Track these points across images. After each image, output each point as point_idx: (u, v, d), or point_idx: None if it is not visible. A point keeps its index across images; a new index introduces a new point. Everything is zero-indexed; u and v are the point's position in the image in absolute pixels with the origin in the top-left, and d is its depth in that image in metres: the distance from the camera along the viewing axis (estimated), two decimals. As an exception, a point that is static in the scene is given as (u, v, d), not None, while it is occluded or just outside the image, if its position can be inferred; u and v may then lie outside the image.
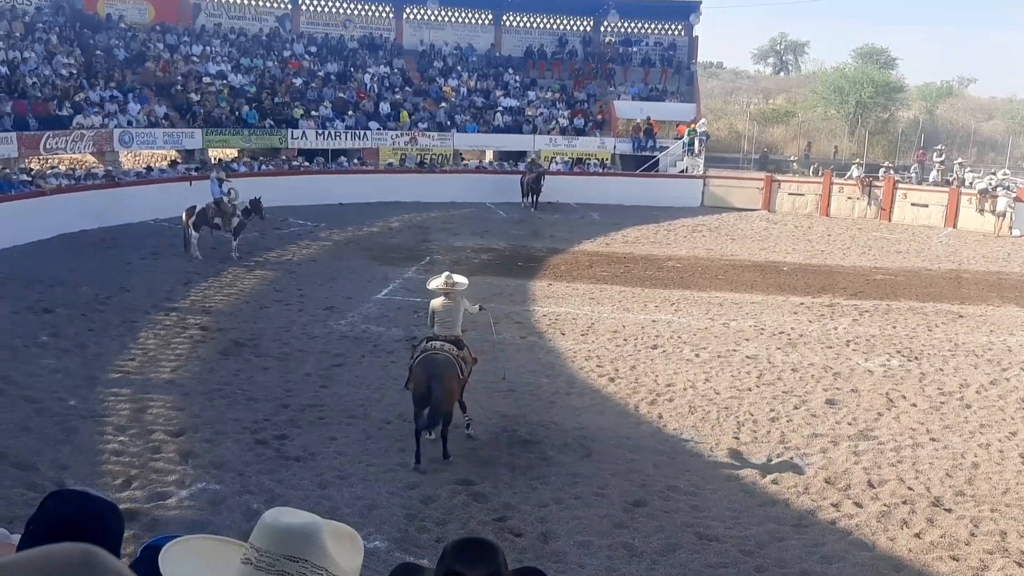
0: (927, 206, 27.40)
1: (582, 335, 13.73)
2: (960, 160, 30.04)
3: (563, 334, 13.78)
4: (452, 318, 9.05)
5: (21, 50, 23.78)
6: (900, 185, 28.17)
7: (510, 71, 34.13)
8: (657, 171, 30.88)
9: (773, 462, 9.07)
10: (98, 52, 26.06)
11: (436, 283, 9.22)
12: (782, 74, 69.07)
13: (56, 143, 21.95)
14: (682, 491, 8.29)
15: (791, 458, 9.17)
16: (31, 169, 21.35)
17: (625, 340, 13.50)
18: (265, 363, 11.68)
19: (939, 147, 31.23)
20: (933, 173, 28.84)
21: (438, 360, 8.55)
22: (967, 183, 27.30)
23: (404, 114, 29.28)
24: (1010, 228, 25.15)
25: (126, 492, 7.65)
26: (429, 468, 8.49)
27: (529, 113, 31.85)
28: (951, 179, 28.12)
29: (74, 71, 24.52)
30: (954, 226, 26.48)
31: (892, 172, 29.15)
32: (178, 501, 7.60)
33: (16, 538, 2.15)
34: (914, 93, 50.51)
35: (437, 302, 9.13)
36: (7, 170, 20.65)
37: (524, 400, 10.59)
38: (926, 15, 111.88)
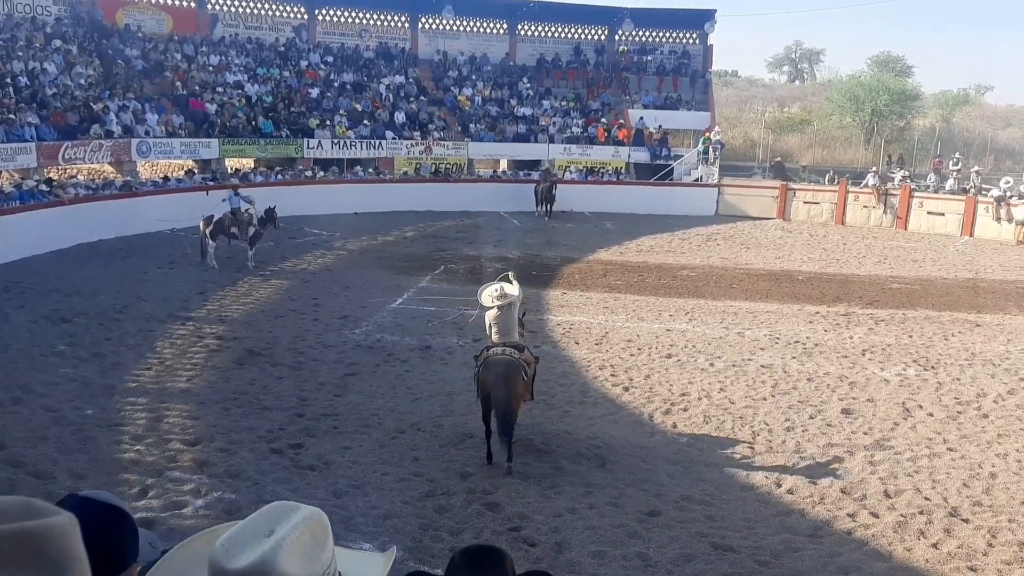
0: (943, 214, 27.24)
1: (596, 344, 13.73)
2: (977, 168, 29.87)
3: (577, 343, 13.77)
4: (509, 325, 9.21)
5: (41, 60, 24.05)
6: (916, 193, 28.03)
7: (524, 80, 34.22)
8: (671, 180, 30.86)
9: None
10: (118, 62, 26.32)
11: (489, 298, 9.31)
12: (797, 82, 68.87)
13: (75, 153, 22.18)
14: (697, 501, 8.26)
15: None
16: (50, 179, 21.55)
17: (639, 349, 13.48)
18: (280, 372, 11.73)
19: (956, 155, 31.06)
20: (950, 181, 28.68)
21: (503, 363, 8.74)
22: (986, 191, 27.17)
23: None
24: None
25: (143, 501, 7.69)
26: (441, 477, 8.51)
27: (543, 122, 31.91)
28: (968, 187, 27.95)
29: (93, 81, 24.76)
30: (971, 235, 26.32)
31: (909, 180, 29.00)
32: (194, 510, 7.63)
33: None
34: (930, 101, 50.26)
35: (491, 312, 9.28)
36: (26, 180, 20.87)
37: (538, 409, 10.57)
38: (942, 23, 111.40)
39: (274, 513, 1.63)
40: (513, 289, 9.49)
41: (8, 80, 22.28)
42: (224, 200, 18.80)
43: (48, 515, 1.24)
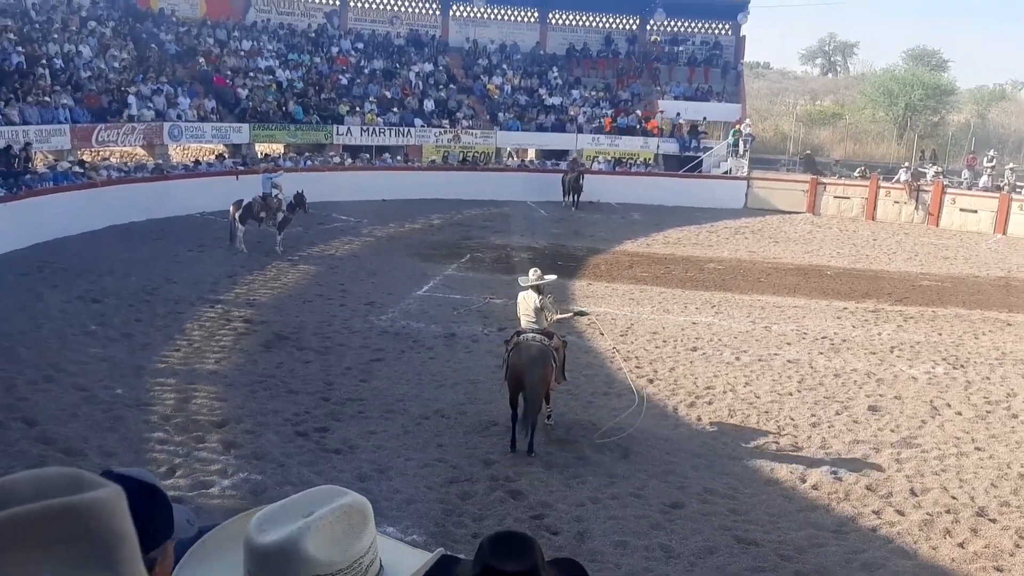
0: (976, 211, 26.88)
1: (621, 336, 13.69)
2: (1012, 165, 29.42)
3: (602, 334, 13.75)
4: (537, 313, 9.34)
5: (76, 43, 24.30)
6: (949, 190, 27.67)
7: (554, 69, 34.10)
8: (700, 172, 30.68)
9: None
10: (152, 46, 26.53)
11: (525, 279, 9.48)
12: (830, 75, 68.09)
13: (108, 136, 22.43)
14: (720, 494, 8.24)
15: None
16: (83, 161, 21.79)
17: (664, 342, 13.44)
18: (307, 356, 11.81)
19: (990, 152, 30.60)
20: (983, 178, 28.28)
21: (532, 347, 8.91)
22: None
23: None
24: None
25: (170, 480, 7.79)
26: (464, 464, 8.55)
27: (572, 112, 31.80)
28: (1002, 184, 27.56)
29: (127, 64, 24.99)
30: (1004, 232, 25.95)
31: (941, 176, 28.64)
32: (220, 490, 7.73)
33: None
34: (965, 96, 49.54)
35: (523, 297, 9.44)
36: (60, 161, 21.13)
37: (562, 399, 10.58)
38: (979, 17, 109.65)
39: (319, 495, 1.63)
40: (551, 276, 9.69)
41: (43, 62, 22.53)
42: (270, 178, 19.09)
43: (95, 488, 1.16)
